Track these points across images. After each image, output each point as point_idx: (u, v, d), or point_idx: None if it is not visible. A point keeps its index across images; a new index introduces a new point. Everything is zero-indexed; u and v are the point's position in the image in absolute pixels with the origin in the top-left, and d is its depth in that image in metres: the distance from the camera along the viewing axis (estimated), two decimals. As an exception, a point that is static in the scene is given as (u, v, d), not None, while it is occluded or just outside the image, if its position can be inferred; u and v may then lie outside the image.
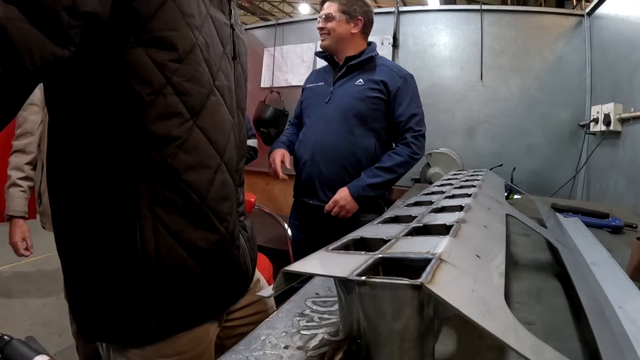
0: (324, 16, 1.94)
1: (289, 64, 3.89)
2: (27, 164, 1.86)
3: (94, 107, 0.70)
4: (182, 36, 0.72)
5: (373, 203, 1.95)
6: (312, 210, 1.98)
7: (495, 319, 0.36)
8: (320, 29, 1.95)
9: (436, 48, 3.33)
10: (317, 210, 1.95)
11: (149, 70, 0.69)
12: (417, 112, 1.93)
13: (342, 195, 1.85)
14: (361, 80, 1.92)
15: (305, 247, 2.09)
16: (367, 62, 1.95)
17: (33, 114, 1.87)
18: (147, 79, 0.69)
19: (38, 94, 1.82)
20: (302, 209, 2.07)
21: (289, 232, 2.31)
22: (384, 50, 3.37)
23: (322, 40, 1.97)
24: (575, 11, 3.06)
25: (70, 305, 0.81)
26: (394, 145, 1.99)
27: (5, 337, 0.65)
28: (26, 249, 1.84)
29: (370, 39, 2.04)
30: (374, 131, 1.92)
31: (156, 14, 0.68)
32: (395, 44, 3.43)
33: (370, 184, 1.84)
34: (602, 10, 2.73)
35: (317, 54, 2.12)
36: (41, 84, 0.69)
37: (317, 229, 2.02)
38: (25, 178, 1.86)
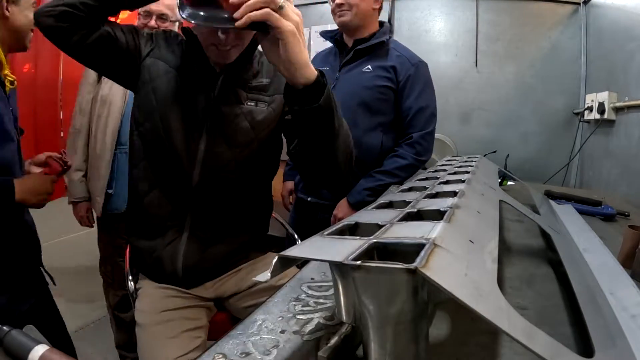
0: None
1: (283, 50, 3.86)
2: (84, 145, 1.95)
3: None
4: None
5: None
6: (311, 208, 1.91)
7: (488, 303, 0.36)
8: (339, 4, 1.72)
9: (431, 34, 3.30)
10: (316, 208, 1.87)
11: None
12: (427, 104, 1.74)
13: (341, 207, 1.76)
14: (369, 66, 1.75)
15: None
16: (377, 47, 1.77)
17: (86, 93, 1.94)
18: None
19: (92, 73, 1.91)
20: (300, 205, 1.99)
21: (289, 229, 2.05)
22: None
23: (340, 17, 1.73)
24: (572, -1, 3.04)
25: None
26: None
27: (5, 327, 0.65)
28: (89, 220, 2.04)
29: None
30: (381, 125, 1.76)
31: None
32: (390, 30, 3.39)
33: (367, 188, 1.70)
34: (598, -2, 2.71)
35: (323, 33, 1.91)
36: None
37: (314, 227, 1.92)
38: (84, 161, 1.96)
